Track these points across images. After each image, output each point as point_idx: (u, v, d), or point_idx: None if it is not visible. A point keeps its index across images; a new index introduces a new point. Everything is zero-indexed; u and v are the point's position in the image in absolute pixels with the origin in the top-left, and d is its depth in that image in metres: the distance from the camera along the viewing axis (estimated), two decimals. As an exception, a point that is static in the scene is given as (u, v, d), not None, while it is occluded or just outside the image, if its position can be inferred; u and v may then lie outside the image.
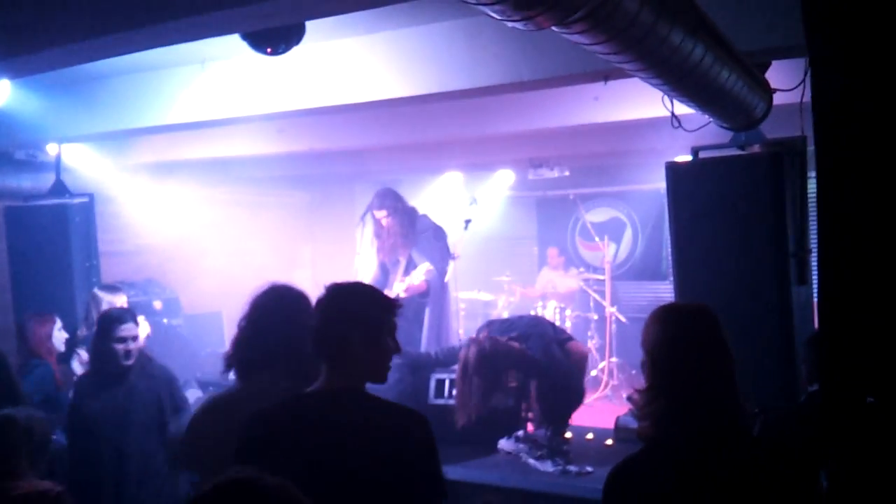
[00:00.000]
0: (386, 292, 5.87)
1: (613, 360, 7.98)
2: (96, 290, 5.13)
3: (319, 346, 2.17)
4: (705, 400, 1.97)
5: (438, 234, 6.12)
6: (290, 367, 2.48)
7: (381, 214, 6.04)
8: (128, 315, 4.06)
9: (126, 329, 3.96)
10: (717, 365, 2.02)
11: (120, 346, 3.93)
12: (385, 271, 6.16)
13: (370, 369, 2.20)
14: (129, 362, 3.97)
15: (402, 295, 5.80)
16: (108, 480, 3.86)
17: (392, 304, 2.26)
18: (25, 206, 6.06)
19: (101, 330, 4.01)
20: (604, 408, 7.12)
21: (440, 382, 4.83)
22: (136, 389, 3.98)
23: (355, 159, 8.03)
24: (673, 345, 2.03)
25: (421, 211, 6.25)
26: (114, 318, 4.01)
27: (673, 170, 4.26)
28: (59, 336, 4.83)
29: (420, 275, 5.80)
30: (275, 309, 2.63)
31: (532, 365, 4.60)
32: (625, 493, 1.98)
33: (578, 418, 5.39)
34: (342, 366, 2.16)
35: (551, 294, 8.74)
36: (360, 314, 2.18)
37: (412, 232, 6.03)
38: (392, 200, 6.03)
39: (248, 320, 2.65)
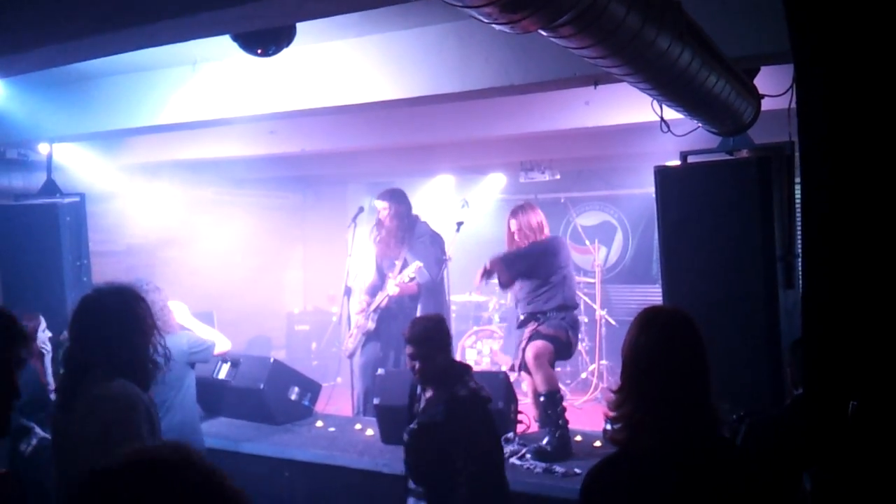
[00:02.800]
0: (379, 294, 6.08)
1: (603, 362, 8.00)
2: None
3: None
4: (676, 404, 1.96)
5: (435, 239, 6.17)
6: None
7: (381, 206, 6.11)
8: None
9: None
10: (689, 368, 2.01)
11: None
12: (382, 275, 6.18)
13: None
14: None
15: (395, 292, 5.88)
16: None
17: None
18: (16, 205, 6.05)
19: None
20: (593, 410, 7.14)
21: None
22: None
23: (347, 161, 8.05)
24: (643, 348, 2.04)
25: (422, 218, 6.33)
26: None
27: (662, 174, 4.28)
28: (43, 336, 4.77)
29: (410, 272, 5.81)
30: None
31: None
32: (601, 494, 1.99)
33: (569, 420, 5.40)
34: None
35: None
36: None
37: (410, 235, 6.09)
38: (396, 198, 6.12)
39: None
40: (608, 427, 4.55)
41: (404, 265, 5.97)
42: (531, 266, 5.24)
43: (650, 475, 1.94)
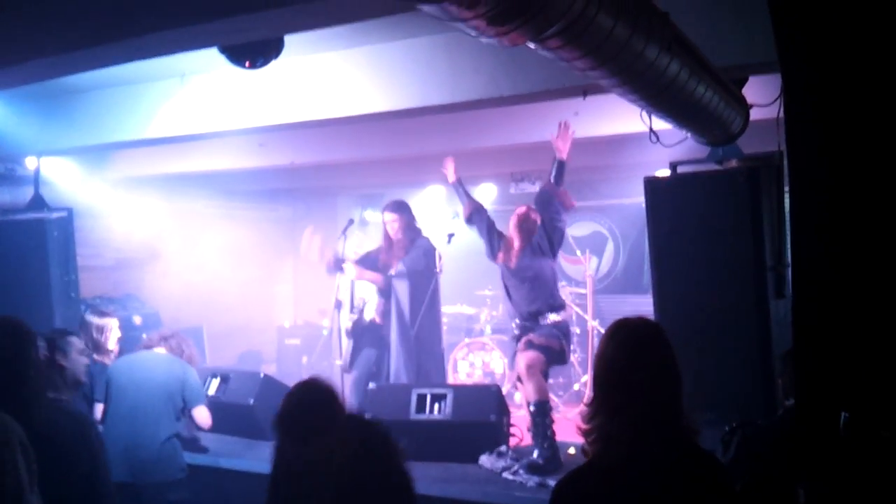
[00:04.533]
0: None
1: (595, 374, 8.00)
2: (87, 316, 4.96)
3: None
4: (645, 415, 1.95)
5: (428, 252, 6.18)
6: None
7: (390, 218, 6.11)
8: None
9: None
10: (658, 379, 1.99)
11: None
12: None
13: None
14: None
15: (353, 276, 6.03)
16: None
17: None
18: (3, 220, 6.00)
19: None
20: (586, 422, 7.11)
21: (421, 398, 4.82)
22: None
23: (337, 173, 8.03)
24: (610, 359, 2.03)
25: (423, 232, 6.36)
26: None
27: (651, 184, 4.28)
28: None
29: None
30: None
31: None
32: None
33: (560, 433, 5.37)
34: None
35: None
36: None
37: (411, 246, 6.12)
38: (404, 210, 6.17)
39: None
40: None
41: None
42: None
43: (618, 486, 1.93)
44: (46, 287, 5.62)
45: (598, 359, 2.06)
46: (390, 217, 6.10)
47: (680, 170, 4.28)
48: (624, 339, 2.05)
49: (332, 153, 6.57)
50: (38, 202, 5.91)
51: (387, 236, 6.20)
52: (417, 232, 6.25)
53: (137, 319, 6.55)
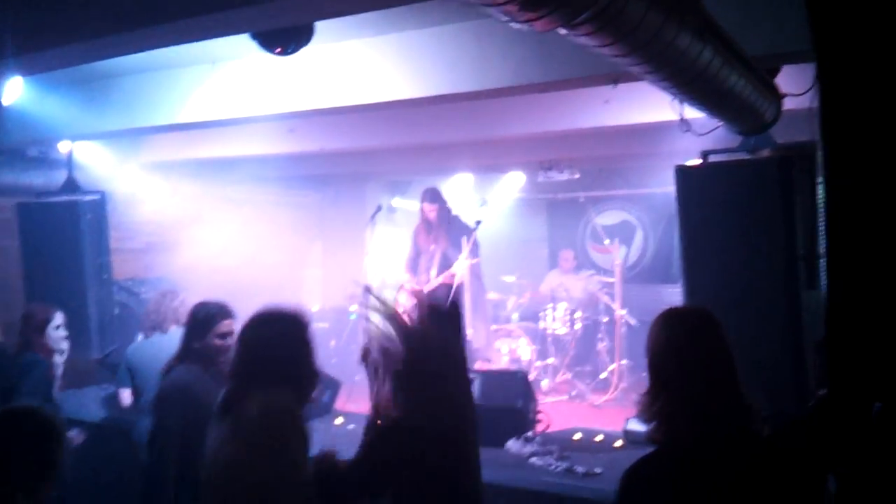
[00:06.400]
0: (420, 277, 6.77)
1: (623, 362, 7.95)
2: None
3: None
4: (704, 402, 1.97)
5: (470, 232, 6.92)
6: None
7: (430, 209, 6.97)
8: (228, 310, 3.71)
9: (227, 325, 3.62)
10: (716, 368, 2.02)
11: (219, 342, 3.60)
12: (418, 253, 7.10)
13: None
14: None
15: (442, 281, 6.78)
16: None
17: None
18: (38, 202, 6.10)
19: (199, 324, 3.66)
20: (613, 411, 7.09)
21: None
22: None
23: (366, 160, 8.04)
24: (670, 348, 2.05)
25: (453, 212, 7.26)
26: (214, 313, 3.66)
27: (682, 173, 4.25)
28: (55, 334, 4.61)
29: (463, 265, 6.70)
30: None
31: None
32: (638, 493, 1.99)
33: (587, 420, 5.38)
34: None
35: (561, 297, 8.72)
36: None
37: (451, 229, 6.97)
38: (440, 198, 7.03)
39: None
40: (629, 428, 4.55)
41: (443, 257, 6.88)
42: None
43: (687, 472, 1.94)
44: (79, 269, 5.72)
45: (655, 347, 2.07)
46: (430, 206, 6.93)
47: (711, 159, 4.24)
48: (677, 323, 2.09)
49: (361, 140, 6.58)
50: (72, 185, 6.01)
51: (427, 222, 7.01)
52: (454, 216, 7.06)
53: (168, 303, 6.62)
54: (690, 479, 1.94)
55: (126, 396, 4.74)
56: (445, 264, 7.04)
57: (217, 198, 7.90)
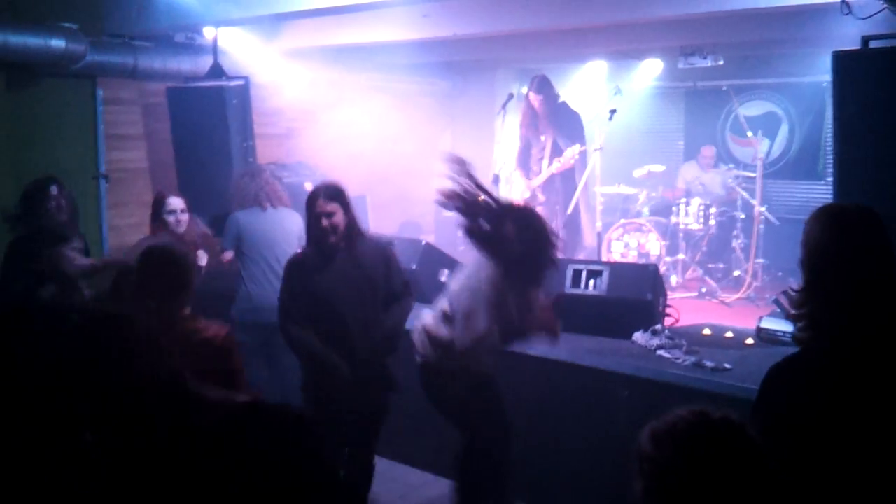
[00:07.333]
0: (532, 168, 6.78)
1: (759, 261, 7.70)
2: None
3: None
4: (860, 306, 1.88)
5: (579, 120, 6.97)
6: None
7: (536, 98, 6.83)
8: (332, 190, 3.83)
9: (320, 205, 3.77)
10: (877, 270, 1.91)
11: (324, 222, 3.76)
12: (528, 144, 6.99)
13: None
14: (333, 240, 3.78)
15: (555, 170, 6.74)
16: None
17: None
18: (186, 87, 6.38)
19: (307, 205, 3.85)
20: (744, 309, 6.94)
21: (577, 273, 4.84)
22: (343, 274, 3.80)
23: (497, 46, 7.88)
24: (830, 246, 1.95)
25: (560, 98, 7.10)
26: (315, 194, 3.82)
27: (840, 60, 3.97)
28: (176, 217, 4.87)
29: (574, 154, 6.65)
30: None
31: None
32: (777, 392, 1.95)
33: (717, 318, 5.28)
34: None
35: (697, 191, 8.45)
36: None
37: (559, 118, 6.87)
38: (549, 87, 6.87)
39: None
40: (762, 326, 4.44)
41: (554, 146, 6.77)
42: None
43: (835, 375, 1.88)
44: (227, 152, 5.99)
45: (808, 243, 1.99)
46: (536, 96, 6.82)
47: (873, 45, 3.93)
48: (831, 222, 1.98)
49: (494, 24, 6.44)
50: (217, 71, 6.23)
51: (532, 112, 6.88)
52: (562, 104, 7.01)
53: (308, 186, 6.86)
54: (838, 384, 1.87)
55: (227, 256, 5.15)
56: (556, 154, 6.90)
57: (352, 85, 8.00)
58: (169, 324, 2.72)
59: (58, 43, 5.56)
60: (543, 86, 6.85)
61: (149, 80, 6.58)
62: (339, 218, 3.78)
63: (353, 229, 3.84)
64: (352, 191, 3.97)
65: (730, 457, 1.38)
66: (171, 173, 6.44)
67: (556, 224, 6.48)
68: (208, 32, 6.34)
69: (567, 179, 6.91)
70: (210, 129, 6.05)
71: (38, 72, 5.86)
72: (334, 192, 3.82)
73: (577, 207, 6.82)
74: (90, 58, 5.86)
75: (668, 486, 1.38)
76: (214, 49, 6.26)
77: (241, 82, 6.12)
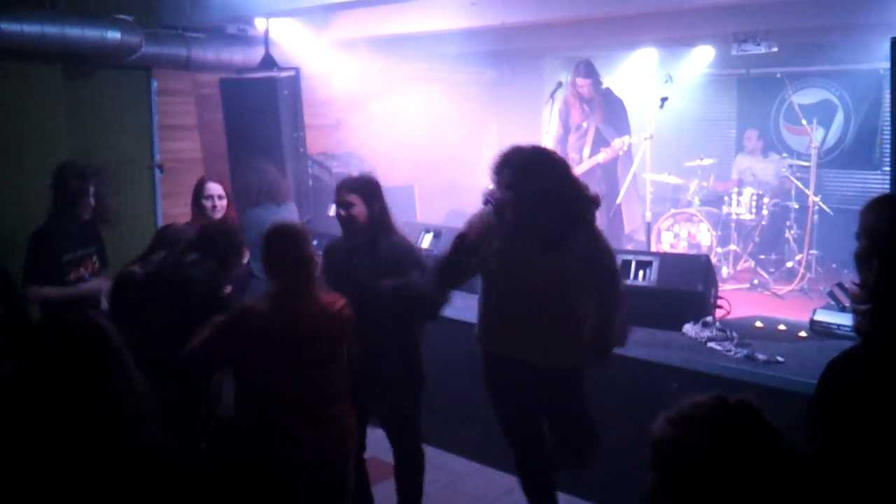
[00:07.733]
0: (571, 157, 6.75)
1: (813, 252, 7.54)
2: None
3: None
4: None
5: (623, 107, 7.05)
6: None
7: (584, 83, 6.89)
8: (354, 182, 3.82)
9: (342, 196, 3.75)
10: None
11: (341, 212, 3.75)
12: (567, 131, 7.07)
13: None
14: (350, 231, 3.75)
15: (601, 160, 6.78)
16: None
17: None
18: (238, 78, 6.47)
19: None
20: (797, 301, 6.81)
21: (626, 263, 4.80)
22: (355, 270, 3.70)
23: (545, 34, 7.82)
24: (877, 235, 1.92)
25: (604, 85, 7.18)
26: (341, 183, 3.83)
27: (902, 45, 3.85)
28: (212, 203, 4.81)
29: (623, 145, 6.72)
30: None
31: None
32: (835, 384, 1.92)
33: (769, 310, 5.19)
34: None
35: (749, 181, 8.30)
36: None
37: (606, 104, 6.94)
38: (594, 72, 6.93)
39: None
40: (816, 318, 4.36)
41: (597, 134, 6.85)
42: None
43: (887, 371, 1.84)
44: (279, 143, 6.07)
45: (870, 233, 1.96)
46: (583, 81, 6.86)
47: (938, 29, 3.81)
48: (890, 212, 1.94)
49: (542, 12, 6.39)
50: (269, 62, 6.30)
51: (579, 97, 6.94)
52: (606, 90, 7.05)
53: (356, 176, 6.94)
54: (886, 379, 1.82)
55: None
56: (599, 141, 6.87)
57: (400, 75, 8.02)
58: (310, 299, 3.01)
59: (113, 35, 5.66)
60: (590, 70, 6.91)
61: (202, 72, 6.68)
62: (358, 210, 3.69)
63: (376, 224, 3.73)
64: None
65: (750, 440, 1.39)
66: (224, 164, 6.55)
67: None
68: (260, 24, 6.41)
69: (609, 169, 6.86)
70: (261, 119, 6.13)
71: (94, 63, 5.97)
72: (355, 184, 3.75)
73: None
74: (145, 49, 5.96)
75: (688, 471, 1.38)
76: (266, 40, 6.33)
77: (291, 73, 6.18)
